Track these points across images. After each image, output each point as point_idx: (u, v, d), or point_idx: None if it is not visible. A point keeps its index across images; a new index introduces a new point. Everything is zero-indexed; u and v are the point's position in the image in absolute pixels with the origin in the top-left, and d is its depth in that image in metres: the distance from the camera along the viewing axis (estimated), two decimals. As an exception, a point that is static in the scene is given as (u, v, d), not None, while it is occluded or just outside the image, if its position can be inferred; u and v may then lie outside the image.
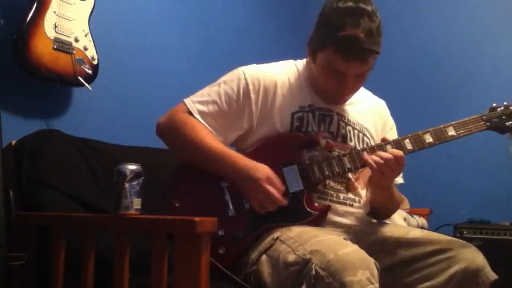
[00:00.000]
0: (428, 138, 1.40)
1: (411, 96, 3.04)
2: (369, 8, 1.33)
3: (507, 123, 1.42)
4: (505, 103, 1.44)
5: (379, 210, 1.55)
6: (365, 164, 1.38)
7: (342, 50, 1.32)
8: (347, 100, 1.51)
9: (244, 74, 1.45)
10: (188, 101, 1.46)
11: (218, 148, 1.38)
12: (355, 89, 1.46)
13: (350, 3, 1.32)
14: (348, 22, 1.31)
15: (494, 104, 1.44)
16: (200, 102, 1.44)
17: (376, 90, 1.67)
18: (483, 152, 2.79)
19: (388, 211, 1.61)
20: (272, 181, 1.33)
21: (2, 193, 1.31)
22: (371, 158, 1.36)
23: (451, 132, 1.40)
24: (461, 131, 1.40)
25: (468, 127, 1.41)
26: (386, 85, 2.81)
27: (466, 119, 1.41)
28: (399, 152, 1.37)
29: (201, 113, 1.43)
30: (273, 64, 1.53)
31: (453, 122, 1.41)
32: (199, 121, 1.42)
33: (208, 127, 1.42)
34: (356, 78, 1.39)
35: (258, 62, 1.53)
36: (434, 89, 3.01)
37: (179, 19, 2.51)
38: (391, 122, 1.64)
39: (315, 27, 1.41)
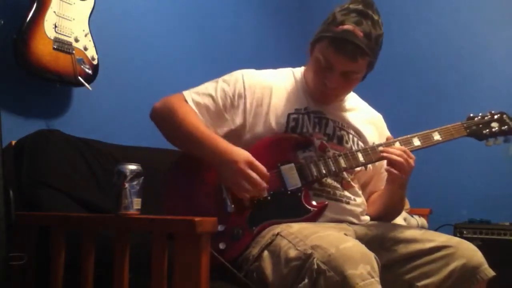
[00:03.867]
0: (416, 141, 1.49)
1: (409, 98, 3.05)
2: (375, 17, 1.38)
3: (483, 131, 1.54)
4: (480, 113, 1.56)
5: (386, 211, 1.58)
6: (359, 164, 1.44)
7: (336, 41, 1.37)
8: (332, 100, 1.52)
9: (243, 76, 1.51)
10: (186, 92, 1.51)
11: (204, 132, 1.40)
12: (342, 89, 1.48)
13: (360, 6, 1.38)
14: (351, 20, 1.36)
15: (471, 114, 1.56)
16: (197, 93, 1.49)
17: (376, 93, 1.69)
18: (483, 152, 2.74)
19: (395, 213, 1.64)
20: (253, 165, 1.33)
21: (2, 193, 1.31)
22: (385, 151, 1.42)
23: (437, 136, 1.50)
24: (445, 136, 1.51)
25: (451, 132, 1.52)
26: (384, 87, 2.85)
27: (449, 125, 1.53)
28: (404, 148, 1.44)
29: (196, 102, 1.47)
30: (272, 70, 1.59)
31: (438, 128, 1.52)
32: (192, 108, 1.46)
33: (200, 116, 1.45)
34: (344, 77, 1.41)
35: (255, 62, 1.58)
36: (433, 92, 3.01)
37: (179, 20, 2.51)
38: (386, 135, 1.64)
39: (321, 23, 1.45)
